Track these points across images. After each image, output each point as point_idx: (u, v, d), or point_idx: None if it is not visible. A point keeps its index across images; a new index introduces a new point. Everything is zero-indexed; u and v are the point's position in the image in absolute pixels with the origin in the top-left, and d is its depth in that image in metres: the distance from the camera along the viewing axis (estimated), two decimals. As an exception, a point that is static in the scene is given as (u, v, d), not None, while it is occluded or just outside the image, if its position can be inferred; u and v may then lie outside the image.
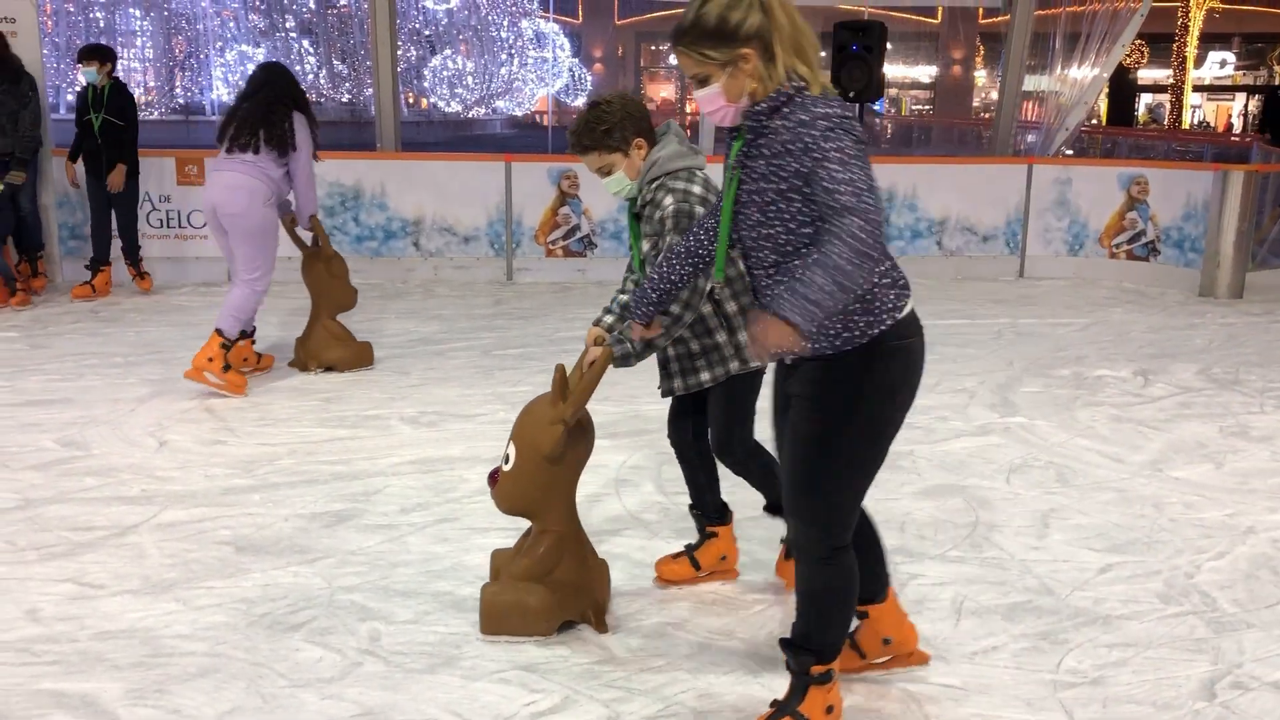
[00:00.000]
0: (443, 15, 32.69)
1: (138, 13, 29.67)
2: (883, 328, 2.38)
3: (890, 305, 2.39)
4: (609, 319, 3.17)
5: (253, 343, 5.79)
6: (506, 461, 3.02)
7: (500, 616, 3.09)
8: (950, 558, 3.69)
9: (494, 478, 3.06)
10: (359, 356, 5.94)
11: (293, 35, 30.86)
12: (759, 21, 2.30)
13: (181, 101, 30.83)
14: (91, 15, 28.89)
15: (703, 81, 2.37)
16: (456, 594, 3.34)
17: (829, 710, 2.62)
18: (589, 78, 34.34)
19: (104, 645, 3.05)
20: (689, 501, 3.50)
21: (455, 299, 7.97)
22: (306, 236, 5.80)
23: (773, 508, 3.33)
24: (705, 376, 3.17)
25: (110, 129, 7.31)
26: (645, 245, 3.12)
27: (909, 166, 9.18)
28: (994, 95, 15.33)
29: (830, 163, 2.23)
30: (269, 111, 5.41)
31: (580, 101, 34.14)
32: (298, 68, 27.01)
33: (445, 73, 32.39)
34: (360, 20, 29.37)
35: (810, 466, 2.46)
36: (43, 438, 4.74)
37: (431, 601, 3.31)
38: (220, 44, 30.51)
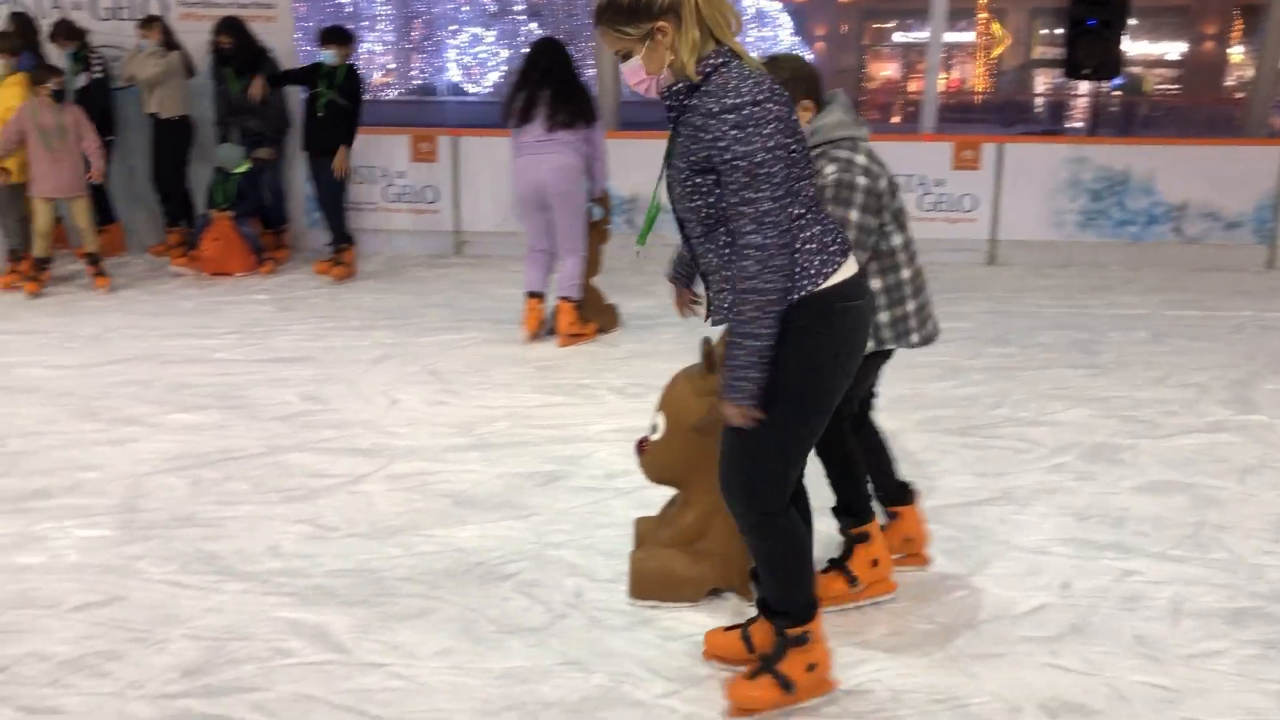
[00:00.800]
0: (667, -5, 33.04)
1: (382, -4, 31.46)
2: (802, 293, 2.35)
3: (814, 271, 2.37)
4: None
5: (542, 303, 6.10)
6: (654, 431, 3.07)
7: (647, 582, 3.16)
8: (1171, 556, 3.51)
9: (642, 446, 3.11)
10: (612, 319, 6.37)
11: (521, 18, 31.94)
12: None
13: (418, 83, 32.45)
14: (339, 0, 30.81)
15: (626, 56, 2.40)
16: (657, 558, 3.43)
17: (810, 668, 2.65)
18: (810, 56, 33.99)
19: (335, 582, 3.31)
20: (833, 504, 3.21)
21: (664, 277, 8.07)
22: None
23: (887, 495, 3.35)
24: None
25: (334, 110, 7.29)
26: None
27: (1147, 148, 8.62)
28: (1250, 73, 14.22)
29: (738, 171, 2.26)
30: (576, 89, 5.76)
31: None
32: (525, 50, 28.04)
33: (666, 53, 32.75)
34: (584, 1, 30.07)
35: (750, 433, 2.42)
36: (287, 392, 5.16)
37: (633, 564, 3.41)
38: (454, 27, 31.93)
